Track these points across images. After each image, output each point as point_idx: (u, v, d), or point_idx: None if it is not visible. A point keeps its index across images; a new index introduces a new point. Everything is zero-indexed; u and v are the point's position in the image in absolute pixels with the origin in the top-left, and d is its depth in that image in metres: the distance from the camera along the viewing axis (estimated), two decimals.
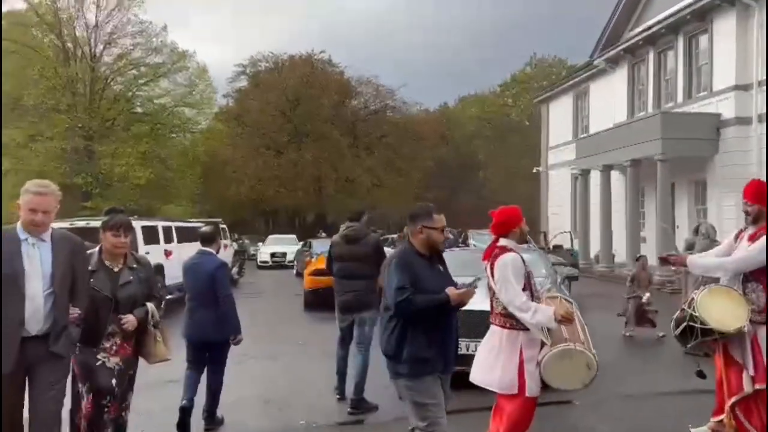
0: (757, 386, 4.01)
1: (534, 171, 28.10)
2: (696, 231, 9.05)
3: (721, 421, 4.41)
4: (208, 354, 5.04)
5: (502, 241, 3.91)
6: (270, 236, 30.51)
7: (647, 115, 18.13)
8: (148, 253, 10.66)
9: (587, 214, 20.49)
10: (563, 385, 3.76)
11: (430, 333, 3.39)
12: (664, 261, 4.69)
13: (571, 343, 3.65)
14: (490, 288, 3.90)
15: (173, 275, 11.85)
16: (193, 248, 11.54)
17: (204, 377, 5.08)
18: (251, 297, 14.08)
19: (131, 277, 3.82)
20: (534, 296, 3.78)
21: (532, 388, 3.67)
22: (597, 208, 19.45)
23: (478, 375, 3.85)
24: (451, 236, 14.76)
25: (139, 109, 35.47)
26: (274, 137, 38.02)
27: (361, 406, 5.46)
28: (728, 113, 15.62)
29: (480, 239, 16.15)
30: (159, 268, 11.11)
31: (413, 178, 41.12)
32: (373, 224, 27.18)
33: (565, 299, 4.07)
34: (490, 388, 3.75)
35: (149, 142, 33.55)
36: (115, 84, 34.31)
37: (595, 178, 20.01)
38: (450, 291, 3.35)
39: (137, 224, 10.55)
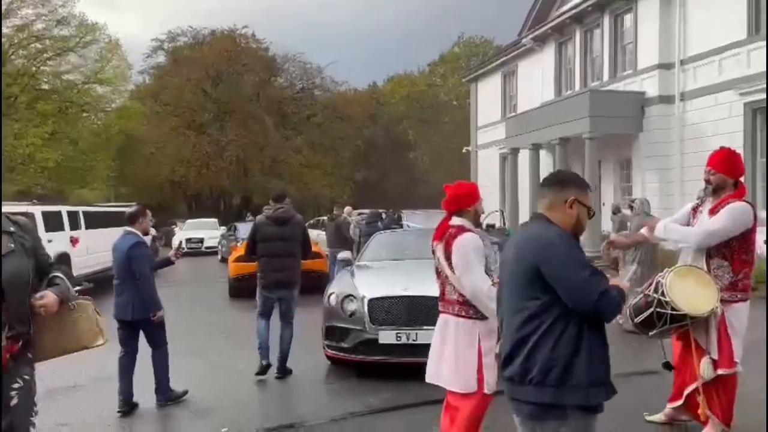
0: (720, 371, 3.77)
1: (464, 151, 28.10)
2: (630, 207, 9.00)
3: (678, 407, 4.18)
4: (144, 333, 5.11)
5: (456, 220, 3.46)
6: (188, 220, 29.02)
7: (575, 93, 18.28)
8: (50, 241, 9.63)
9: (516, 193, 20.60)
10: None
11: (604, 343, 2.31)
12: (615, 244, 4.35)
13: None
14: (438, 271, 3.49)
15: (81, 264, 10.86)
16: (105, 234, 10.95)
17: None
18: (171, 286, 13.13)
19: (12, 245, 2.55)
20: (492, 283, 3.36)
21: (490, 384, 3.28)
22: (526, 187, 19.56)
23: (434, 373, 3.44)
24: (384, 217, 14.30)
25: (45, 86, 32.78)
26: (195, 116, 36.26)
27: (287, 371, 5.94)
28: (652, 91, 15.91)
29: (414, 219, 15.92)
30: (64, 257, 10.10)
31: (343, 159, 40.49)
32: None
33: None
34: (449, 388, 3.36)
35: (57, 121, 31.17)
36: (16, 58, 31.50)
37: (523, 157, 20.09)
38: (619, 283, 2.40)
39: (36, 210, 9.47)
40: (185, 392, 5.26)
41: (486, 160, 25.86)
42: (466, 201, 3.46)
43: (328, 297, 6.00)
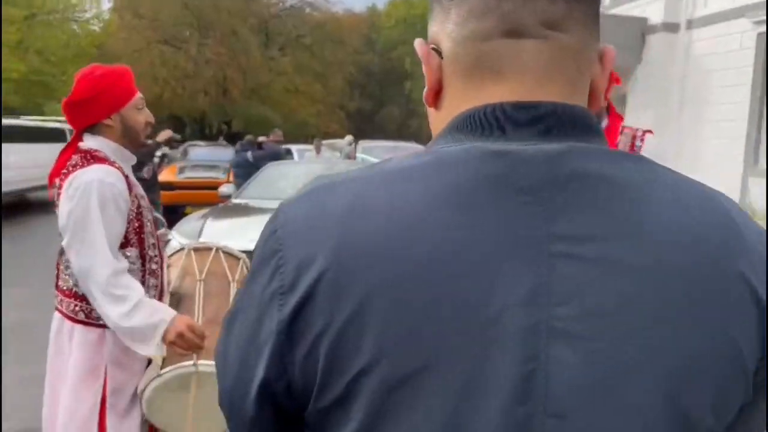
0: None
1: None
2: None
3: None
4: None
5: (90, 141, 1.85)
6: None
7: None
8: None
9: None
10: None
11: None
12: None
13: (206, 357, 1.76)
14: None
15: None
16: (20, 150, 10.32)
17: None
18: None
19: None
20: (146, 259, 1.86)
21: None
22: None
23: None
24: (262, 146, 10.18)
25: None
26: (172, 31, 33.81)
27: None
28: (656, 18, 13.88)
29: (373, 153, 14.04)
30: None
31: (334, 86, 38.27)
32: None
33: (229, 253, 2.15)
34: None
35: (22, 29, 29.12)
36: None
37: None
38: None
39: None
40: None
41: None
42: (101, 104, 1.80)
43: None
